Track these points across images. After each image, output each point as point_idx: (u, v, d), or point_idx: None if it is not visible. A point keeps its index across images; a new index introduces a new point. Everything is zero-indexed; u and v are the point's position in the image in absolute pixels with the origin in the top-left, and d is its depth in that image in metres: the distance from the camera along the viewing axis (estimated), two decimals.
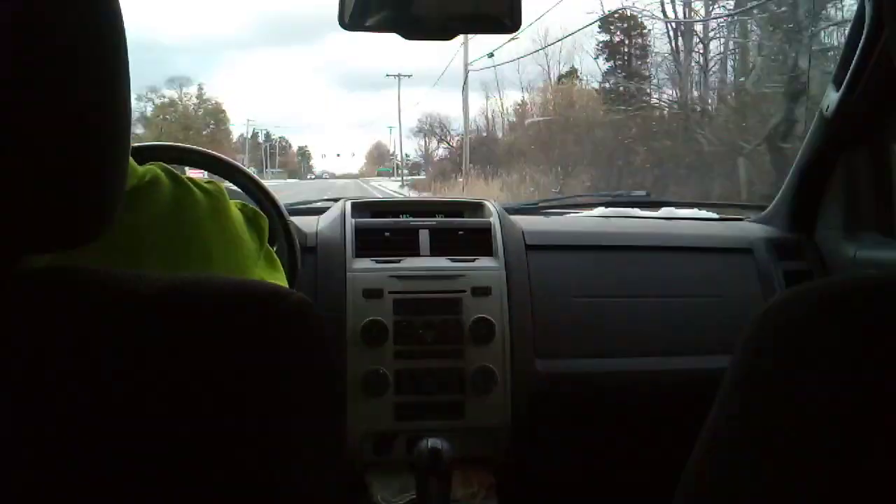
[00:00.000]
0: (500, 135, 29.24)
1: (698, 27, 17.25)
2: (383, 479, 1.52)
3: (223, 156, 1.35)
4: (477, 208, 1.72)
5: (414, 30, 1.14)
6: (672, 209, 2.07)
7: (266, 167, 62.29)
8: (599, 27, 22.43)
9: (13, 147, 0.44)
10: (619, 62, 22.67)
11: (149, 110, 41.06)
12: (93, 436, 0.45)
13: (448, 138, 36.52)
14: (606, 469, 1.67)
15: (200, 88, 47.21)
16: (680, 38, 17.52)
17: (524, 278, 1.58)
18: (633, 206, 2.08)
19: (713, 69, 16.50)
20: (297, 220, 1.55)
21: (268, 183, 1.43)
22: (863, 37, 1.40)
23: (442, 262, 1.55)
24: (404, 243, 1.58)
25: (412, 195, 14.87)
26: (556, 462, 1.66)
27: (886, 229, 1.59)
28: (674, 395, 1.57)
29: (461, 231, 1.61)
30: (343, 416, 1.36)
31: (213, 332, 0.49)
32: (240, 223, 0.85)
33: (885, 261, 1.51)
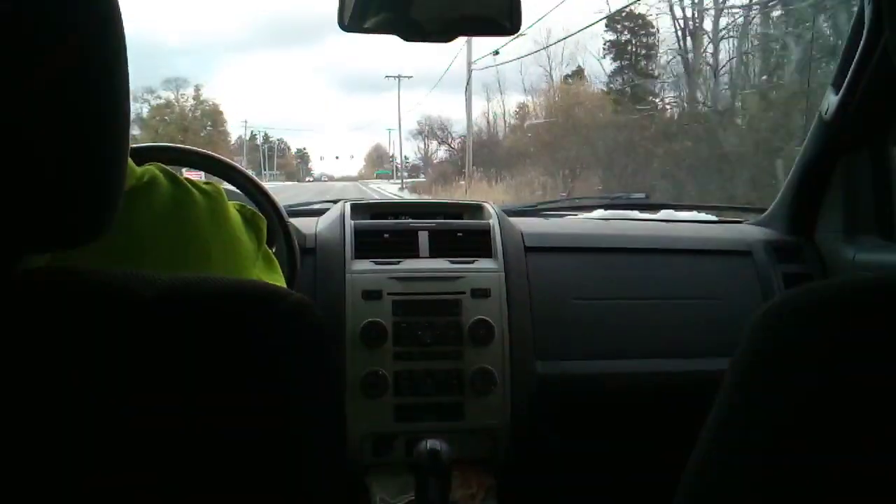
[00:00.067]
0: (501, 137, 29.03)
1: (708, 25, 17.07)
2: (383, 480, 1.51)
3: (222, 157, 1.35)
4: (476, 210, 1.72)
5: (413, 32, 1.14)
6: (671, 211, 2.07)
7: (264, 169, 62.26)
8: (606, 26, 22.32)
9: (13, 147, 0.44)
10: (627, 62, 22.51)
11: (145, 111, 41.06)
12: (92, 436, 0.45)
13: (449, 140, 36.41)
14: (606, 470, 1.67)
15: (197, 89, 47.17)
16: (689, 38, 17.38)
17: (523, 280, 1.58)
18: (632, 209, 2.09)
19: (724, 68, 16.17)
20: (297, 222, 1.55)
21: (267, 185, 1.43)
22: (862, 39, 1.40)
23: (441, 264, 1.55)
24: (404, 245, 1.58)
25: (412, 198, 14.83)
26: (555, 463, 1.66)
27: (886, 232, 1.60)
28: (673, 396, 1.57)
29: (460, 233, 1.61)
30: (342, 417, 1.36)
31: (213, 333, 0.48)
32: (238, 224, 0.85)
33: (885, 263, 1.51)
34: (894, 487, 0.44)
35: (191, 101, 46.04)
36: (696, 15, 17.60)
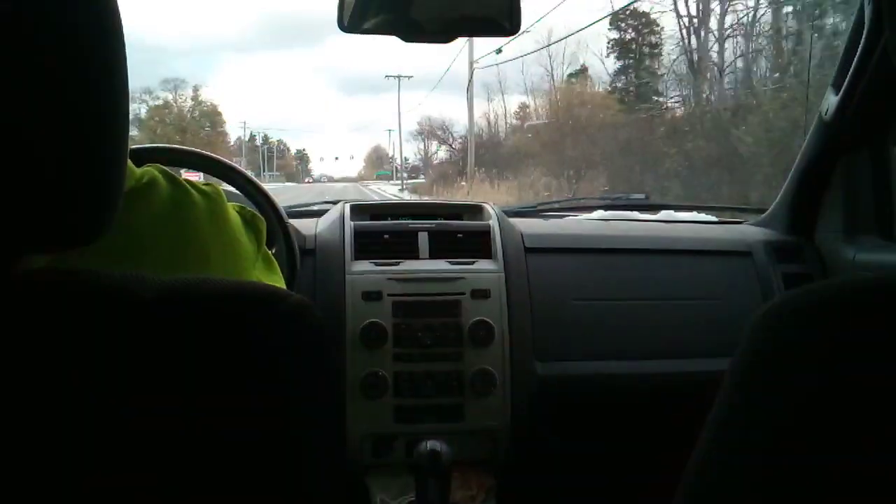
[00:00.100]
0: (503, 137, 28.74)
1: (713, 23, 16.84)
2: (383, 481, 1.51)
3: (222, 158, 1.35)
4: (476, 211, 1.72)
5: (413, 33, 1.14)
6: (671, 212, 2.07)
7: (264, 170, 62.27)
8: (610, 24, 22.21)
9: (13, 147, 0.44)
10: (631, 60, 22.34)
11: (143, 112, 40.99)
12: (92, 437, 0.45)
13: (450, 140, 36.24)
14: (606, 471, 1.67)
15: (195, 90, 47.15)
16: (693, 36, 17.18)
17: (523, 281, 1.58)
18: (632, 209, 2.09)
19: (729, 66, 15.83)
20: (297, 223, 1.55)
21: (266, 186, 1.43)
22: (862, 39, 1.40)
23: (441, 265, 1.55)
24: (403, 246, 1.58)
25: (413, 199, 14.53)
26: (555, 464, 1.66)
27: (886, 232, 1.60)
28: (673, 397, 1.57)
29: (460, 234, 1.61)
30: (342, 418, 1.36)
31: (213, 334, 0.48)
32: (237, 225, 0.85)
33: (885, 263, 1.51)
34: (894, 488, 0.44)
35: (189, 102, 46.04)
36: (700, 10, 17.47)
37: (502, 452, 1.55)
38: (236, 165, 1.37)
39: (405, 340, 1.49)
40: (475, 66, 23.88)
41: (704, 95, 16.41)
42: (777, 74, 13.44)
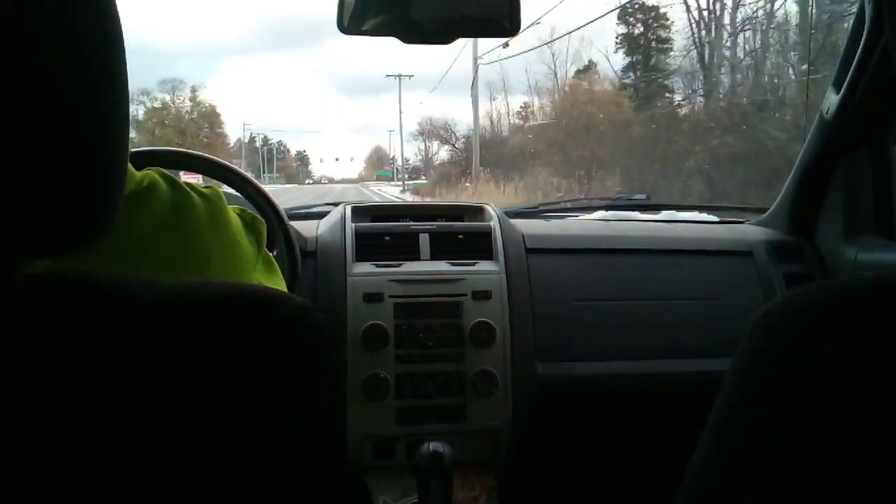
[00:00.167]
0: (508, 135, 28.29)
1: (729, 16, 16.46)
2: (384, 482, 1.51)
3: (222, 160, 1.35)
4: (477, 212, 1.72)
5: (412, 34, 1.14)
6: (672, 212, 2.07)
7: (264, 172, 62.26)
8: (618, 19, 22.01)
9: (12, 152, 0.44)
10: (640, 55, 22.04)
11: (140, 113, 40.86)
12: (92, 438, 0.45)
13: (453, 140, 35.94)
14: (607, 471, 1.67)
15: (194, 90, 46.98)
16: (710, 29, 16.78)
17: (524, 282, 1.58)
18: (633, 210, 2.09)
19: (747, 58, 15.29)
20: (297, 225, 1.55)
21: (266, 188, 1.43)
22: (863, 38, 1.40)
23: (442, 266, 1.55)
24: (404, 247, 1.58)
25: (415, 201, 13.89)
26: (556, 464, 1.66)
27: (886, 231, 1.59)
28: (674, 397, 1.57)
29: (461, 235, 1.61)
30: (343, 419, 1.36)
31: (213, 337, 0.48)
32: (238, 228, 0.85)
33: (886, 263, 1.50)
34: (895, 488, 0.44)
35: (187, 103, 45.92)
36: (712, 4, 17.12)
37: (504, 453, 1.55)
38: (236, 167, 1.38)
39: (406, 342, 1.49)
40: (480, 61, 23.65)
41: (728, 89, 15.81)
42: (804, 66, 12.94)
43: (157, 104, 43.43)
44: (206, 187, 0.83)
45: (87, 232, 0.49)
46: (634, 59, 22.37)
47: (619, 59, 23.03)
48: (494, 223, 1.63)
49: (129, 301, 0.49)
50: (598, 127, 18.76)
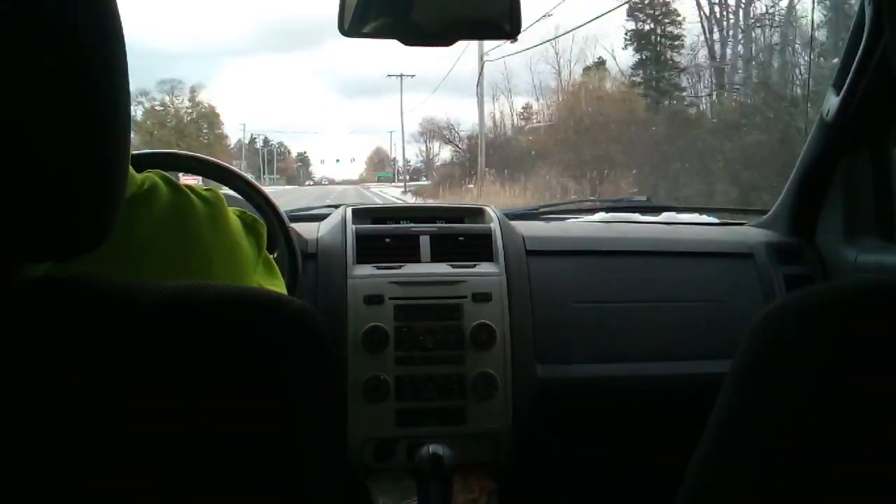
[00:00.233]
0: (513, 134, 27.84)
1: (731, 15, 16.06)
2: (384, 484, 1.51)
3: (222, 162, 1.35)
4: (477, 214, 1.72)
5: (413, 36, 1.14)
6: (673, 214, 2.07)
7: (264, 173, 62.22)
8: (627, 15, 21.78)
9: (12, 152, 0.44)
10: (650, 52, 21.64)
11: (139, 114, 40.64)
12: (92, 438, 0.45)
13: (456, 140, 35.57)
14: (607, 473, 1.67)
15: (193, 91, 46.82)
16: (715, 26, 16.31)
17: (525, 284, 1.58)
18: (633, 211, 2.09)
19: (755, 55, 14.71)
20: (298, 227, 1.55)
21: (266, 189, 1.43)
22: (863, 40, 1.40)
23: (442, 268, 1.55)
24: (405, 249, 1.58)
25: (416, 203, 13.28)
26: (557, 467, 1.66)
27: (887, 233, 1.59)
28: (675, 399, 1.57)
29: (461, 237, 1.61)
30: (343, 420, 1.36)
31: (215, 341, 0.48)
32: (238, 230, 0.85)
33: (887, 265, 1.50)
34: (895, 491, 0.44)
35: (186, 104, 45.79)
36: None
37: (504, 455, 1.54)
38: (236, 169, 1.38)
39: (407, 344, 1.49)
40: (486, 58, 23.36)
41: (756, 81, 15.10)
42: (835, 60, 12.68)
43: (155, 104, 43.39)
44: (206, 189, 0.83)
45: (87, 231, 0.49)
46: (644, 55, 22.18)
47: (628, 57, 22.75)
48: (494, 225, 1.63)
49: (129, 303, 0.49)
50: (611, 126, 18.13)
